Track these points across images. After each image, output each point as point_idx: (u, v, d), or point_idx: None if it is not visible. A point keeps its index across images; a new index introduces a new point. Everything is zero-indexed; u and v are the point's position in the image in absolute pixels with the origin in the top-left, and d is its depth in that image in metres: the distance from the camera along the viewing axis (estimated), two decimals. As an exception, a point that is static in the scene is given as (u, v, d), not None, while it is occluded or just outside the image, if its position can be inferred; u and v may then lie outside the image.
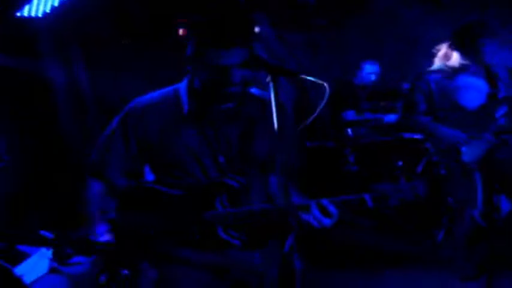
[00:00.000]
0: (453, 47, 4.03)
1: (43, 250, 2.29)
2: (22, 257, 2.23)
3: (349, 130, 5.89)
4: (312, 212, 2.16)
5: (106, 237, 2.28)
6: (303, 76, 2.16)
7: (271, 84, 2.00)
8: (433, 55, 4.22)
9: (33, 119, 5.03)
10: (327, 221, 2.16)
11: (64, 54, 5.27)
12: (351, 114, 5.99)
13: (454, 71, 4.03)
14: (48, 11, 4.69)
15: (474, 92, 3.98)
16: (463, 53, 3.98)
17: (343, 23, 6.72)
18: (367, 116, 6.04)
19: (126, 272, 2.10)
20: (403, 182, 2.09)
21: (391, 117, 5.86)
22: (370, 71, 6.22)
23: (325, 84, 2.12)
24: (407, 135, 5.59)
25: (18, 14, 4.61)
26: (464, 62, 3.99)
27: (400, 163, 5.61)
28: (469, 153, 3.85)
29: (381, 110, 6.13)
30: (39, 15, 4.70)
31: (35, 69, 5.04)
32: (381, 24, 6.49)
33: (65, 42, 5.28)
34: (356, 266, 4.46)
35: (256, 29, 5.75)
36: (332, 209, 2.16)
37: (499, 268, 3.98)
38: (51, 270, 2.14)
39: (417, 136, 5.39)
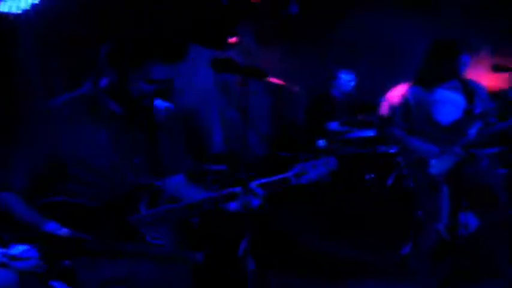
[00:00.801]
0: (432, 61, 4.09)
1: None
2: None
3: (320, 142, 5.91)
4: (240, 197, 2.30)
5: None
6: (273, 79, 2.29)
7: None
8: (413, 68, 4.29)
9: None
10: (256, 202, 2.31)
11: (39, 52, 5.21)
12: (334, 126, 6.02)
13: (433, 86, 4.10)
14: (28, 7, 4.64)
15: (451, 106, 4.04)
16: (442, 69, 4.05)
17: (325, 34, 6.77)
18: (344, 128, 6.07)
19: (68, 263, 2.13)
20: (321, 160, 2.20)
21: (367, 132, 5.89)
22: (347, 79, 6.26)
23: (297, 88, 2.25)
24: (381, 149, 5.64)
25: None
26: (442, 77, 4.05)
27: (372, 176, 5.64)
28: (437, 166, 3.90)
29: (358, 124, 6.16)
30: (19, 11, 4.66)
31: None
32: (362, 36, 6.55)
33: (42, 40, 5.21)
34: (318, 275, 4.45)
35: (237, 39, 5.80)
36: (259, 191, 2.32)
37: (462, 284, 4.01)
38: (0, 265, 2.11)
39: (391, 150, 5.44)
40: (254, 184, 2.34)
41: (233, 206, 2.35)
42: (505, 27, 5.78)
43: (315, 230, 5.23)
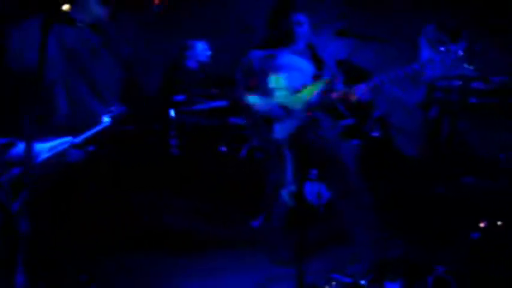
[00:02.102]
0: (269, 23, 3.98)
1: None
2: None
3: (171, 112, 5.67)
4: None
5: None
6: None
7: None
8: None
9: None
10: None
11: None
12: (179, 97, 5.78)
13: (277, 49, 3.96)
14: None
15: (297, 72, 3.93)
16: (278, 29, 3.93)
17: (181, 3, 6.53)
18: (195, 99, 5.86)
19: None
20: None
21: (218, 102, 5.73)
22: (201, 48, 6.08)
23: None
24: (233, 120, 5.50)
25: None
26: (281, 39, 3.94)
27: (223, 148, 5.51)
28: (280, 130, 3.79)
29: (213, 97, 5.98)
30: None
31: None
32: (218, 8, 6.40)
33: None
34: (169, 251, 4.27)
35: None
36: None
37: (316, 254, 3.98)
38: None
39: (243, 122, 5.32)
40: None
41: None
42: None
43: (168, 204, 5.04)
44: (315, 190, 4.82)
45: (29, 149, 1.92)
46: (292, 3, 3.88)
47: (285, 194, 3.80)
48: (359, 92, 3.66)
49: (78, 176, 3.39)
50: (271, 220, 4.21)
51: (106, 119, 2.76)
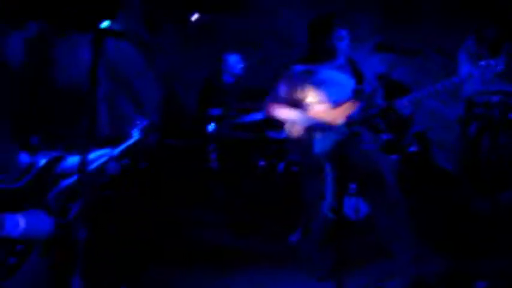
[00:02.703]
0: (311, 39, 4.01)
1: None
2: None
3: (210, 126, 5.72)
4: None
5: None
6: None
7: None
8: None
9: None
10: None
11: None
12: (216, 111, 5.84)
13: (319, 63, 4.00)
14: None
15: (337, 86, 3.95)
16: (321, 45, 3.96)
17: (220, 19, 6.64)
18: (232, 113, 5.92)
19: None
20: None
21: (255, 116, 5.77)
22: (233, 61, 6.10)
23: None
24: (271, 134, 5.54)
25: None
26: (323, 55, 3.97)
27: (263, 162, 5.53)
28: (320, 144, 3.81)
29: (244, 110, 6.02)
30: None
31: None
32: (257, 22, 6.48)
33: None
34: (205, 265, 4.28)
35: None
36: None
37: (354, 268, 3.96)
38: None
39: (281, 136, 5.35)
40: None
41: None
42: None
43: (203, 216, 5.08)
44: (353, 204, 4.80)
45: (83, 160, 2.00)
46: (334, 19, 3.92)
47: (324, 208, 3.81)
48: (400, 106, 3.66)
49: (116, 188, 3.47)
50: (310, 234, 4.21)
51: (135, 133, 2.83)
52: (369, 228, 4.58)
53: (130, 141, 2.84)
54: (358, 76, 4.00)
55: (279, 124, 4.86)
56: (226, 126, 5.75)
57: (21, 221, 2.13)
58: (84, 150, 2.00)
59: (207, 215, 5.20)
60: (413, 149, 5.55)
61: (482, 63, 3.61)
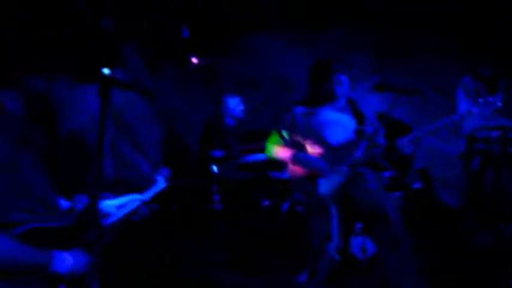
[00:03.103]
0: (311, 82, 4.10)
1: None
2: None
3: (214, 167, 5.77)
4: None
5: None
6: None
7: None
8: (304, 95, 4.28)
9: None
10: None
11: None
12: (219, 153, 5.89)
13: (320, 106, 4.06)
14: None
15: (339, 127, 4.02)
16: (321, 89, 4.04)
17: (219, 61, 6.75)
18: (234, 155, 5.97)
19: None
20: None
21: (258, 156, 5.82)
22: (234, 103, 6.14)
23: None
24: (274, 174, 5.58)
25: None
26: (324, 97, 4.04)
27: (267, 202, 5.56)
28: (324, 185, 3.85)
29: (252, 152, 6.07)
30: None
31: None
32: (257, 65, 6.58)
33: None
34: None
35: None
36: None
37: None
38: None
39: (284, 176, 5.39)
40: None
41: None
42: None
43: (208, 256, 5.08)
44: (360, 244, 4.81)
45: (93, 204, 2.13)
46: (334, 64, 4.01)
47: (331, 249, 3.83)
48: (401, 145, 3.72)
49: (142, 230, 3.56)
50: (317, 275, 4.21)
51: (161, 181, 2.95)
52: (376, 267, 4.59)
53: (158, 188, 2.97)
54: (358, 116, 4.07)
55: (281, 164, 4.92)
56: (229, 167, 5.79)
57: (68, 259, 2.21)
58: (94, 195, 2.10)
59: (212, 255, 5.19)
60: (417, 185, 5.58)
61: (481, 100, 3.67)
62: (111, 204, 2.63)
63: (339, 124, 4.03)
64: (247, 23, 6.42)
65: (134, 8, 5.65)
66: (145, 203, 2.88)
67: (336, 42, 5.96)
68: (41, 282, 2.14)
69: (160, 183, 3.00)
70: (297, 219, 5.18)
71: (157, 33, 6.10)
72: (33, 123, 2.34)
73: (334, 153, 3.94)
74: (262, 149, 5.84)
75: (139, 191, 2.92)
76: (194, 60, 6.65)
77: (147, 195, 2.92)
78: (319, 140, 3.99)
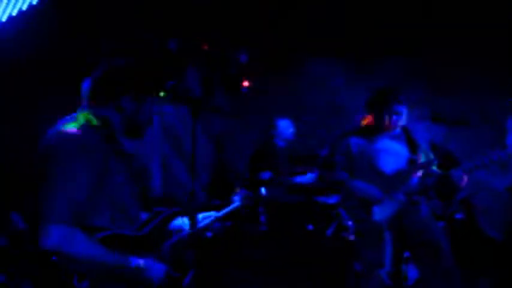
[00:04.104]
0: (369, 111, 4.18)
1: None
2: None
3: (262, 189, 5.84)
4: None
5: None
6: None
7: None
8: (356, 122, 4.37)
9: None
10: None
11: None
12: (267, 175, 5.99)
13: (375, 135, 4.15)
14: (14, 14, 4.65)
15: (393, 156, 4.10)
16: (379, 118, 4.12)
17: (271, 86, 6.90)
18: (282, 177, 6.05)
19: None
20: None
21: (305, 179, 5.90)
22: (284, 126, 6.26)
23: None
24: (320, 199, 5.65)
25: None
26: (380, 127, 4.12)
27: (312, 226, 5.63)
28: (380, 212, 3.92)
29: (299, 175, 6.15)
30: (3, 19, 4.66)
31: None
32: (308, 89, 6.71)
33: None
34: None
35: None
36: None
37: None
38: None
39: (330, 201, 5.46)
40: None
41: None
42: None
43: (254, 278, 5.14)
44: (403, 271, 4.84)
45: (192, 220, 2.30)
46: (393, 95, 4.08)
47: (383, 274, 3.88)
48: (456, 177, 3.78)
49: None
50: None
51: (237, 200, 3.09)
52: None
53: (233, 207, 3.11)
54: (412, 145, 4.14)
55: (328, 189, 4.99)
56: (276, 189, 5.88)
57: (159, 268, 2.38)
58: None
59: (253, 276, 5.26)
60: (459, 216, 5.58)
61: None
62: (186, 221, 2.74)
63: (393, 152, 4.10)
64: (302, 49, 6.56)
65: (195, 31, 5.84)
66: (218, 220, 2.98)
67: (387, 71, 6.04)
68: None
69: (236, 203, 3.12)
70: (342, 245, 5.23)
71: (215, 56, 6.27)
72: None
73: (386, 181, 4.01)
74: (310, 172, 5.96)
75: (215, 209, 3.03)
76: (246, 83, 6.80)
77: (222, 213, 3.02)
78: (372, 168, 4.07)
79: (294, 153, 6.31)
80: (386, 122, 4.09)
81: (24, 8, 4.71)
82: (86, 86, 2.48)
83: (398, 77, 5.91)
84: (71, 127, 2.30)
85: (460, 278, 3.90)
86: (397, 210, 3.91)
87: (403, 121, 4.13)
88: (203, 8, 5.73)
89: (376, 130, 4.16)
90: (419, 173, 3.97)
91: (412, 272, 4.87)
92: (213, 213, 2.96)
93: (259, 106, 6.98)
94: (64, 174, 2.18)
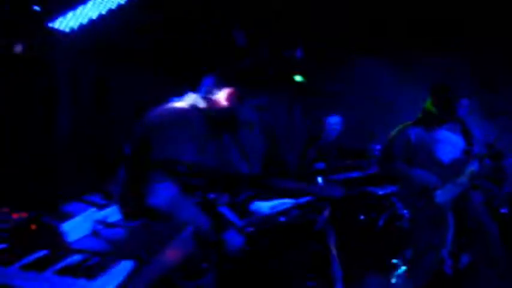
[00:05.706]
0: (434, 104, 4.36)
1: (89, 211, 2.37)
2: (67, 217, 2.31)
3: (319, 179, 6.05)
4: None
5: None
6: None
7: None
8: (406, 117, 4.57)
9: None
10: None
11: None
12: (321, 165, 6.20)
13: (433, 125, 4.36)
14: (75, 27, 4.85)
15: (450, 146, 4.29)
16: (442, 110, 4.32)
17: (321, 81, 7.08)
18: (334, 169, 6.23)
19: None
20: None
21: (353, 174, 6.11)
22: (333, 122, 6.47)
23: None
24: (371, 189, 5.85)
25: (50, 25, 4.76)
26: (442, 118, 4.33)
27: (362, 217, 5.83)
28: (442, 195, 4.14)
29: (348, 169, 6.32)
30: (67, 30, 4.86)
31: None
32: (355, 84, 6.92)
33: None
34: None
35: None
36: None
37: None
38: (93, 233, 2.23)
39: (381, 192, 5.65)
40: None
41: None
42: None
43: (307, 270, 5.27)
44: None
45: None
46: (459, 90, 4.29)
47: (445, 253, 4.07)
48: (509, 166, 3.97)
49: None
50: (414, 282, 4.43)
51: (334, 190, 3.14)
52: (470, 281, 4.74)
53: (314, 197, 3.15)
54: (467, 136, 4.34)
55: (380, 180, 5.16)
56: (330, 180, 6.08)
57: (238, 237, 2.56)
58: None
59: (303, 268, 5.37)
60: (504, 210, 5.68)
61: None
62: (265, 205, 2.90)
63: (451, 143, 4.29)
64: (350, 45, 6.75)
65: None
66: (297, 207, 3.06)
67: (434, 68, 6.20)
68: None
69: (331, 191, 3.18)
70: (394, 233, 5.36)
71: (272, 52, 6.47)
72: None
73: (443, 170, 4.22)
74: (358, 167, 6.13)
75: (295, 196, 3.12)
76: (298, 78, 6.98)
77: (302, 200, 3.11)
78: (430, 157, 4.28)
79: (343, 147, 6.50)
80: (452, 114, 4.29)
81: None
82: (209, 80, 2.76)
83: (445, 73, 6.08)
84: (178, 105, 2.60)
85: (507, 267, 4.06)
86: (460, 193, 4.14)
87: (465, 113, 4.32)
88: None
89: (436, 121, 4.35)
90: (475, 163, 4.17)
91: (465, 256, 5.00)
92: (291, 200, 3.04)
93: (308, 101, 7.17)
94: (168, 139, 2.40)
